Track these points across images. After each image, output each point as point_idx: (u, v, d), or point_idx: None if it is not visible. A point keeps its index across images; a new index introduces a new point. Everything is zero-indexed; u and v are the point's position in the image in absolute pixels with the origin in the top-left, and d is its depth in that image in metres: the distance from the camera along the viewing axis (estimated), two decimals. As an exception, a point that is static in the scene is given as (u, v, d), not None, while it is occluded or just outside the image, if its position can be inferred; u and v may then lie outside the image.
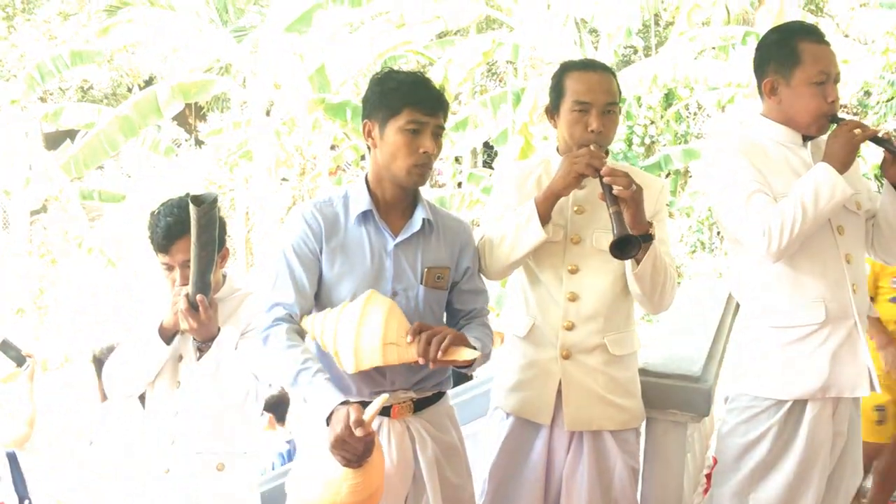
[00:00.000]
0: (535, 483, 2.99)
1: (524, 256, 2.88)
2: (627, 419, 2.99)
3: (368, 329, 2.46)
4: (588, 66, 3.01)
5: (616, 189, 2.65)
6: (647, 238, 2.71)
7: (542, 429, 3.00)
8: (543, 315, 2.96)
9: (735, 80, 15.71)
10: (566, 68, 3.01)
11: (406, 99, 2.60)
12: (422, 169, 2.61)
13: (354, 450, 2.33)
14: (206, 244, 2.76)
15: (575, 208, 2.96)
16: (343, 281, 2.64)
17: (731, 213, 2.96)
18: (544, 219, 2.82)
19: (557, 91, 2.98)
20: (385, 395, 2.37)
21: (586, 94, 2.90)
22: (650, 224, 2.72)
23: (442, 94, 2.65)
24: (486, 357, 2.66)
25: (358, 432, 2.30)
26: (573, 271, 2.95)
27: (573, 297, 2.95)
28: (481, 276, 2.87)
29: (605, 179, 2.69)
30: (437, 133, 2.62)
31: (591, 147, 2.81)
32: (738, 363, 3.11)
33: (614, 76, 2.98)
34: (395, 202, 2.70)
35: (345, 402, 2.39)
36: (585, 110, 2.90)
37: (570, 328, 2.95)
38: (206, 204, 2.68)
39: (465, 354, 2.44)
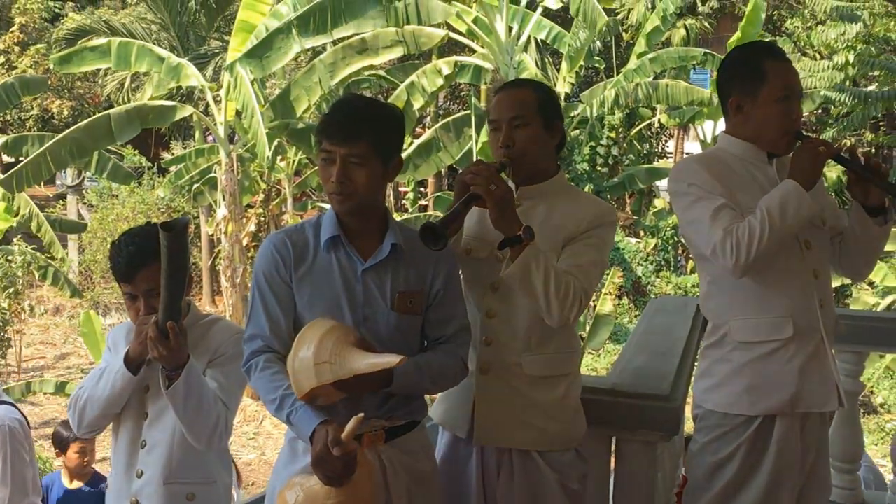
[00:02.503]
0: (473, 501, 2.95)
1: None
2: (545, 441, 2.91)
3: (302, 352, 2.46)
4: (501, 87, 3.06)
5: (473, 188, 2.66)
6: (514, 241, 2.67)
7: (472, 446, 2.95)
8: (472, 329, 2.91)
9: (696, 99, 15.89)
10: None
11: (318, 129, 2.63)
12: (338, 197, 2.59)
13: (334, 469, 2.34)
14: (177, 270, 2.73)
15: None
16: (314, 307, 2.62)
17: (697, 228, 2.97)
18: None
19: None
20: (360, 416, 2.35)
21: (492, 112, 2.96)
22: (523, 228, 2.66)
23: (354, 120, 2.60)
24: (423, 376, 2.62)
25: (335, 451, 2.30)
26: (495, 288, 2.92)
27: (492, 314, 2.92)
28: (458, 301, 2.83)
29: (467, 177, 2.72)
30: (349, 161, 2.56)
31: (503, 160, 2.85)
32: (707, 380, 3.12)
33: (530, 90, 2.98)
34: (360, 227, 2.68)
35: (325, 423, 2.39)
36: (497, 128, 2.93)
37: (489, 343, 2.92)
38: (176, 230, 2.66)
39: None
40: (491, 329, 2.92)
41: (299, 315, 2.65)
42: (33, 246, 16.48)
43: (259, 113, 13.79)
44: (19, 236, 16.37)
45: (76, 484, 6.00)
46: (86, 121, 15.17)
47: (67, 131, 14.72)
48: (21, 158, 16.38)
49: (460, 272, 2.91)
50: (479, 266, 2.94)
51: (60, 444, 6.00)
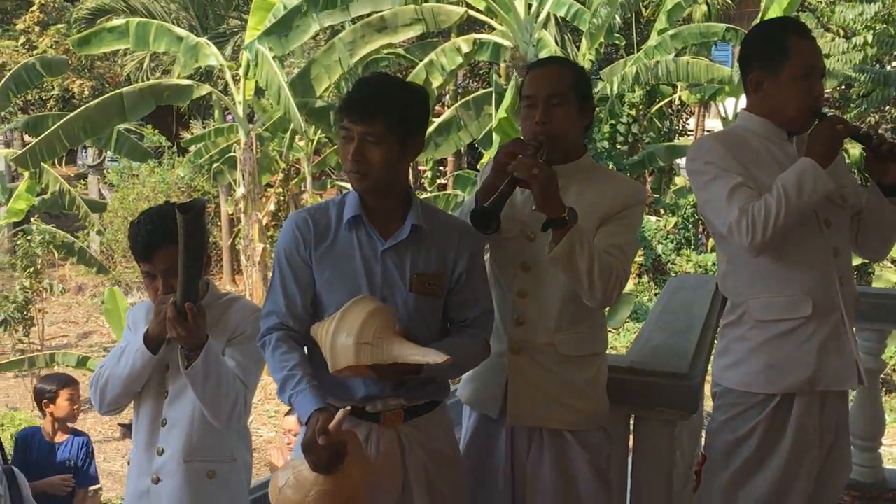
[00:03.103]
0: (501, 482, 2.96)
1: None
2: (579, 420, 2.92)
3: (345, 329, 2.46)
4: (537, 63, 3.05)
5: (517, 172, 2.64)
6: (558, 223, 2.65)
7: (502, 426, 2.95)
8: (499, 309, 2.92)
9: (717, 77, 15.76)
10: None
11: (339, 107, 2.64)
12: (355, 175, 2.59)
13: (320, 457, 2.36)
14: (194, 251, 2.74)
15: (533, 206, 2.87)
16: (333, 286, 2.63)
17: (713, 206, 2.96)
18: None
19: (518, 92, 3.00)
20: (347, 408, 2.36)
21: (529, 88, 2.92)
22: (566, 210, 2.65)
23: (371, 98, 2.58)
24: (450, 364, 2.55)
25: (321, 440, 2.32)
26: (526, 268, 2.91)
27: (523, 294, 2.91)
28: (482, 283, 2.83)
29: (502, 158, 2.74)
30: (366, 140, 2.55)
31: (539, 138, 2.82)
32: (725, 359, 3.11)
33: (568, 69, 2.96)
34: (380, 206, 2.67)
35: (319, 410, 2.41)
36: (532, 105, 2.89)
37: (521, 323, 2.91)
38: (194, 211, 2.67)
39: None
40: (523, 309, 2.92)
41: (318, 294, 2.66)
42: (53, 224, 16.57)
43: (286, 87, 13.73)
44: (36, 216, 16.46)
45: (59, 438, 6.06)
46: (99, 98, 15.17)
47: (80, 109, 14.74)
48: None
49: (486, 254, 2.91)
50: (508, 245, 2.94)
51: (48, 395, 6.02)
